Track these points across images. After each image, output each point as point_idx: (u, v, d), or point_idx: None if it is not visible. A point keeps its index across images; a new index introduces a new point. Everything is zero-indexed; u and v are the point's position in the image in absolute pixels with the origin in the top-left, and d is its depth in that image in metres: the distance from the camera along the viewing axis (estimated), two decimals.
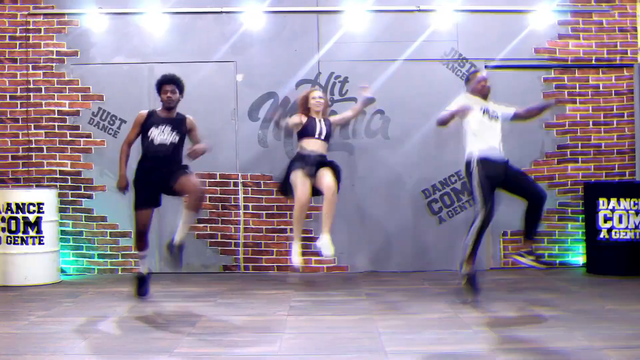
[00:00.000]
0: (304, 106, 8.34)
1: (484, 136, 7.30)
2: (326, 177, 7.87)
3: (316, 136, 8.14)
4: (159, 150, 7.46)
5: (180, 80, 7.67)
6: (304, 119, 8.19)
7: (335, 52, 9.45)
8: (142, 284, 7.73)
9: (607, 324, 6.13)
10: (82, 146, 9.45)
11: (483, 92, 7.57)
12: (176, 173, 7.39)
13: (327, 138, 8.23)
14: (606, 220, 8.87)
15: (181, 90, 7.68)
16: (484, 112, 7.38)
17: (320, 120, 8.23)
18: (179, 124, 7.62)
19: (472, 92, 7.60)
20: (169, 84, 7.60)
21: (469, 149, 7.33)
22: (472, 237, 7.15)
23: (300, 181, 7.86)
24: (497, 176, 7.22)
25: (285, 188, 8.08)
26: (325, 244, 7.70)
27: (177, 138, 7.56)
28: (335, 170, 8.04)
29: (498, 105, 7.65)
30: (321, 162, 8.05)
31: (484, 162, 7.19)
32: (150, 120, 7.55)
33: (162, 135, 7.48)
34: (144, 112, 7.67)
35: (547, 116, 9.39)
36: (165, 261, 7.82)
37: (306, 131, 8.16)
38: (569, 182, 9.51)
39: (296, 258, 7.86)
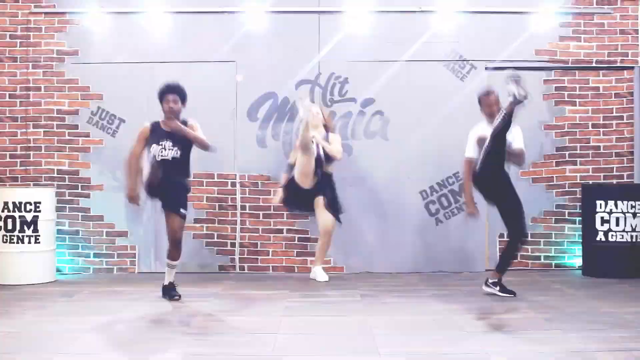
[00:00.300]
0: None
1: None
2: (321, 215, 8.59)
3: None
4: (161, 167, 7.27)
5: (183, 89, 7.47)
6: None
7: (336, 52, 9.40)
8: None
9: (602, 326, 6.11)
10: (80, 145, 9.44)
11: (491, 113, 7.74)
12: (175, 192, 7.37)
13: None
14: (603, 222, 8.85)
15: (184, 100, 7.46)
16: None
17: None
18: (180, 136, 7.39)
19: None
20: (171, 93, 7.40)
21: None
22: None
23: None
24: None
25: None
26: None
27: (179, 152, 7.38)
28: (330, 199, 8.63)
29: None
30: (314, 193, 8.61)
31: None
32: (153, 135, 7.39)
33: (163, 151, 7.32)
34: (147, 126, 7.49)
35: (547, 118, 9.41)
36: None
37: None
38: (567, 183, 9.48)
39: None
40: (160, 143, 7.34)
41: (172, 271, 7.53)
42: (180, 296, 7.43)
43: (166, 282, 7.52)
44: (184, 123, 7.45)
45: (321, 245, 8.68)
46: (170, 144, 7.36)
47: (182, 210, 7.40)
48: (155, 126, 7.48)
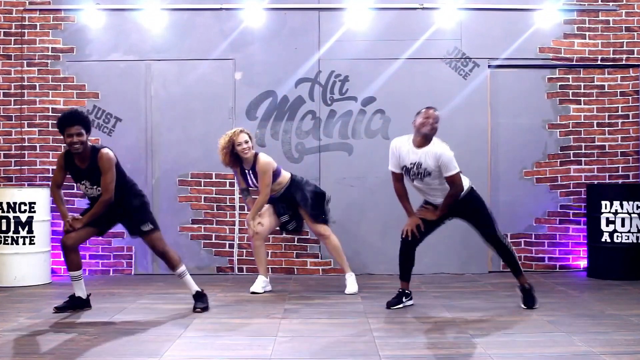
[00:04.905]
0: (231, 155, 7.75)
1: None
2: (315, 226, 8.02)
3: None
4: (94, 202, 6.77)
5: (85, 118, 6.65)
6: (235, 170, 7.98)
7: (336, 50, 9.30)
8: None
9: (607, 328, 6.02)
10: None
11: (424, 134, 7.02)
12: (129, 216, 6.86)
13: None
14: (609, 223, 8.71)
15: (88, 129, 6.61)
16: (405, 170, 7.12)
17: (248, 172, 7.87)
18: (96, 173, 6.63)
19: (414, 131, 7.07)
20: (71, 125, 6.50)
21: None
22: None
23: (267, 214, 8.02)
24: None
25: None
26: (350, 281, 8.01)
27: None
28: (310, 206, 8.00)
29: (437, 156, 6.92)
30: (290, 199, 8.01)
31: None
32: (70, 169, 6.74)
33: (87, 190, 6.76)
34: (61, 156, 6.78)
35: (551, 116, 9.28)
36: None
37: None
38: (572, 183, 9.34)
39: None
40: (82, 182, 6.76)
41: (184, 279, 7.03)
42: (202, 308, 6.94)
43: (193, 292, 7.04)
44: (94, 151, 6.66)
45: (335, 255, 8.19)
46: (89, 183, 6.74)
47: (144, 227, 6.83)
48: (68, 159, 6.73)
